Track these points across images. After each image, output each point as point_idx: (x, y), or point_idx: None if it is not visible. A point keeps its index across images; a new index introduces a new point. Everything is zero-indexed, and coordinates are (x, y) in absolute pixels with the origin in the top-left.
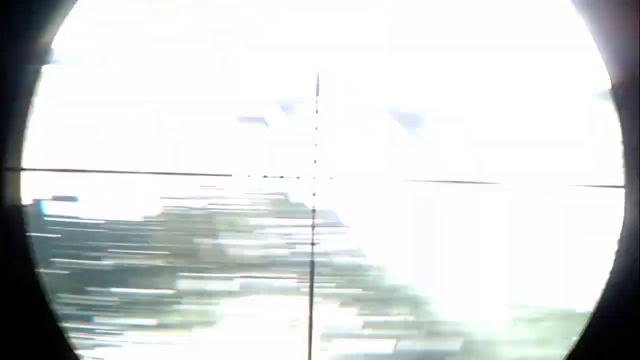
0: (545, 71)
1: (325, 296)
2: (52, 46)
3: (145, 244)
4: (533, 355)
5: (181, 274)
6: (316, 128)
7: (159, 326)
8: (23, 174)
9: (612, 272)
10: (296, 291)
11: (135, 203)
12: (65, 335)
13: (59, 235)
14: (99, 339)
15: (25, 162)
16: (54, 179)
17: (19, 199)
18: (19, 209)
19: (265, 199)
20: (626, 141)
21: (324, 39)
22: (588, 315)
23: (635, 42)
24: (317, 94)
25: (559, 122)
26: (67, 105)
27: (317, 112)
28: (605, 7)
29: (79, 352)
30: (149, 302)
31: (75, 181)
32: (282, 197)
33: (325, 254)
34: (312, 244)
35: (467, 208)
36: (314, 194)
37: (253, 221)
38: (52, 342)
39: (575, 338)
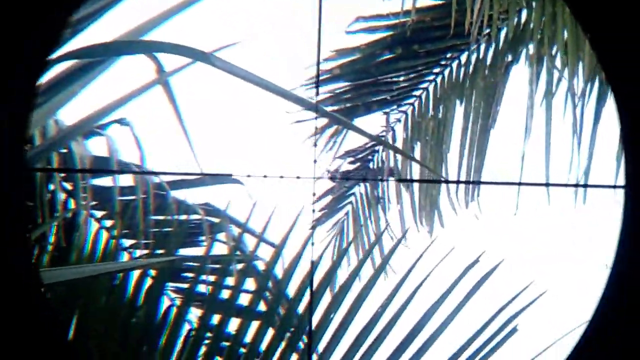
0: None
1: None
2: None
3: None
4: None
5: None
6: (316, 128)
7: None
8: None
9: (612, 273)
10: None
11: None
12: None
13: None
14: None
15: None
16: None
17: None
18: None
19: None
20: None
21: None
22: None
23: None
24: (317, 94)
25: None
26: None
27: (316, 112)
28: None
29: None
30: None
31: None
32: None
33: None
34: (312, 244)
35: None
36: (314, 194)
37: None
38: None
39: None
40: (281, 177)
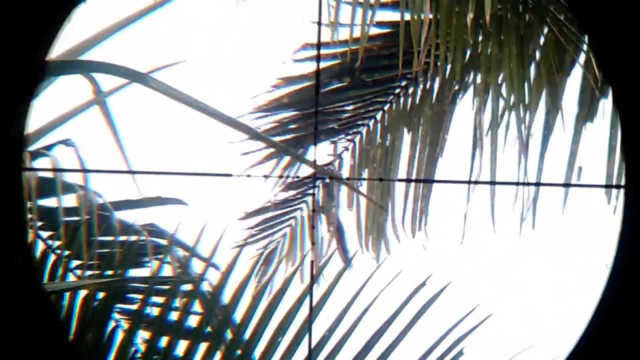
0: None
1: None
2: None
3: None
4: None
5: None
6: (315, 128)
7: None
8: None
9: (611, 273)
10: None
11: None
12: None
13: None
14: None
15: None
16: None
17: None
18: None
19: None
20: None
21: None
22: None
23: None
24: (317, 93)
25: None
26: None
27: (316, 112)
28: None
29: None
30: None
31: None
32: None
33: None
34: (313, 243)
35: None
36: (314, 194)
37: None
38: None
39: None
40: (281, 177)
